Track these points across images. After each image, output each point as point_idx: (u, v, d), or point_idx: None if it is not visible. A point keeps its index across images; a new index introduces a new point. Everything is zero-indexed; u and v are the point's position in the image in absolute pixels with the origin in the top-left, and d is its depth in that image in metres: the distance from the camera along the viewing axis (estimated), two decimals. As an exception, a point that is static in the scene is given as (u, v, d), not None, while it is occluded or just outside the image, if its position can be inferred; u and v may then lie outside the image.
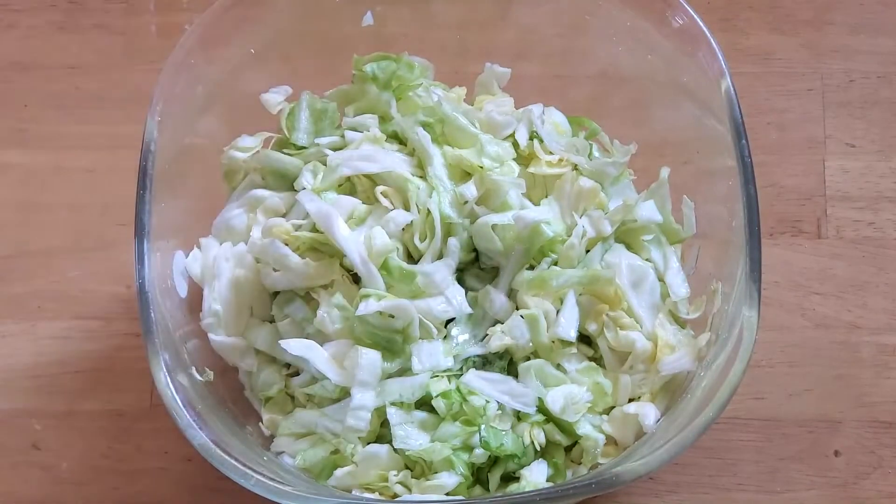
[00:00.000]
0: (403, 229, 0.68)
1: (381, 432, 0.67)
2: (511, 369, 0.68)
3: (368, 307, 0.65)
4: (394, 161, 0.69)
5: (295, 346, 0.66)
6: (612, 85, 0.75)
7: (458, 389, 0.66)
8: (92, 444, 0.77)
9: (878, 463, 0.76)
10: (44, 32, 0.89)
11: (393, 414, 0.65)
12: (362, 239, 0.66)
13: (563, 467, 0.67)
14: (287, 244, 0.67)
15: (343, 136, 0.73)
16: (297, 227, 0.69)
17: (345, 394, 0.66)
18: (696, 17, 0.68)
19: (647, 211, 0.71)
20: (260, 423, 0.69)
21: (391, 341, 0.66)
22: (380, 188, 0.69)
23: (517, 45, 0.76)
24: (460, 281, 0.69)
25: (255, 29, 0.71)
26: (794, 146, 0.84)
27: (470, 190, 0.69)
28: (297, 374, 0.69)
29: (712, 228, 0.70)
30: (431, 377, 0.66)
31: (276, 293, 0.70)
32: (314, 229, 0.68)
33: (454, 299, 0.67)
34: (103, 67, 0.88)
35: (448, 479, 0.64)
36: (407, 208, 0.68)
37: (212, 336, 0.69)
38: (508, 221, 0.68)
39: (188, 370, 0.64)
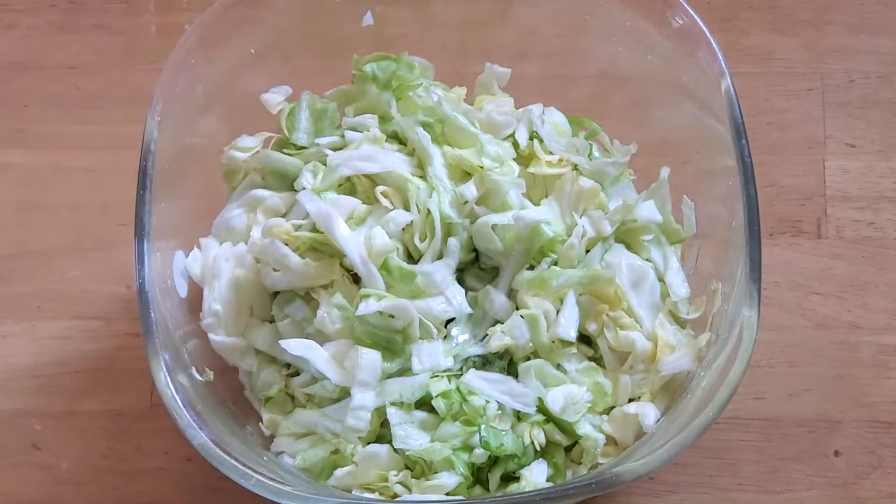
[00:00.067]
0: (403, 229, 0.68)
1: (381, 432, 0.67)
2: (511, 369, 0.68)
3: (368, 307, 0.65)
4: (394, 161, 0.69)
5: (295, 346, 0.66)
6: (612, 85, 0.75)
7: (458, 389, 0.66)
8: (92, 444, 0.77)
9: (878, 463, 0.76)
10: (44, 32, 0.89)
11: (393, 414, 0.65)
12: (362, 239, 0.66)
13: (563, 467, 0.67)
14: (287, 244, 0.67)
15: (343, 136, 0.73)
16: (297, 227, 0.69)
17: (345, 394, 0.66)
18: (696, 17, 0.68)
19: (647, 211, 0.71)
20: (260, 423, 0.69)
21: (391, 341, 0.66)
22: (380, 188, 0.69)
23: (517, 45, 0.76)
24: (460, 281, 0.69)
25: (255, 29, 0.71)
26: (794, 146, 0.84)
27: (470, 190, 0.69)
28: (297, 374, 0.69)
29: (712, 228, 0.70)
30: (431, 377, 0.66)
31: (276, 293, 0.70)
32: (314, 229, 0.68)
33: (454, 299, 0.67)
34: (103, 67, 0.88)
35: (448, 479, 0.64)
36: (407, 208, 0.68)
37: (212, 336, 0.69)
38: (508, 221, 0.68)
39: (188, 370, 0.64)
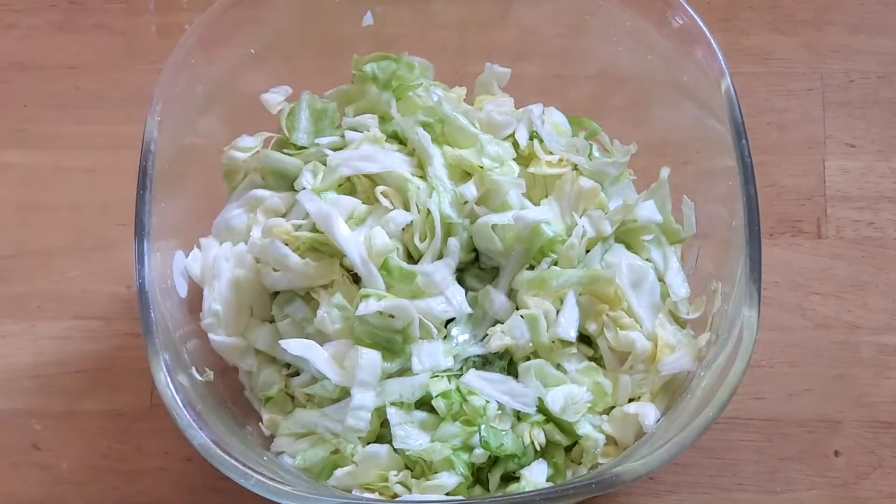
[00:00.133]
0: (403, 229, 0.68)
1: (381, 432, 0.67)
2: (511, 369, 0.68)
3: (368, 307, 0.65)
4: (394, 161, 0.69)
5: (295, 346, 0.66)
6: (612, 85, 0.75)
7: (458, 389, 0.66)
8: (92, 444, 0.77)
9: (878, 463, 0.76)
10: (44, 32, 0.89)
11: (393, 414, 0.65)
12: (362, 239, 0.66)
13: (563, 467, 0.67)
14: (287, 244, 0.67)
15: (343, 136, 0.73)
16: (297, 227, 0.69)
17: (345, 394, 0.66)
18: (696, 17, 0.68)
19: (647, 211, 0.71)
20: (260, 423, 0.69)
21: (391, 341, 0.66)
22: (380, 188, 0.69)
23: (517, 45, 0.76)
24: (460, 281, 0.69)
25: (255, 29, 0.71)
26: (794, 146, 0.84)
27: (470, 190, 0.69)
28: (297, 374, 0.69)
29: (712, 228, 0.70)
30: (431, 377, 0.66)
31: (276, 293, 0.70)
32: (314, 229, 0.68)
33: (454, 299, 0.67)
34: (103, 67, 0.88)
35: (448, 479, 0.64)
36: (407, 208, 0.68)
37: (212, 336, 0.69)
38: (508, 221, 0.68)
39: (188, 370, 0.64)
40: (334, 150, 0.72)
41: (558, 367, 0.67)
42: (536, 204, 0.70)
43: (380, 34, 0.74)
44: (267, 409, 0.69)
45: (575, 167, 0.71)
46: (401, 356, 0.66)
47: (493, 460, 0.66)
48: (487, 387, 0.66)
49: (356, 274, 0.67)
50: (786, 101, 0.85)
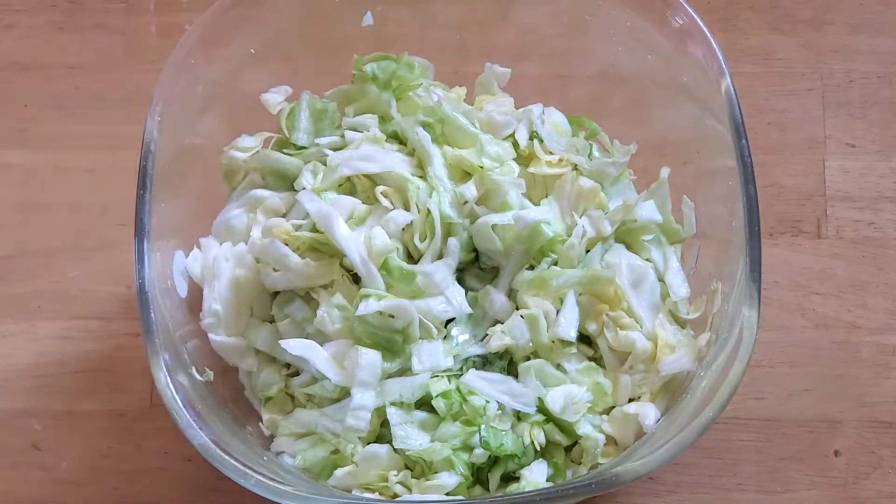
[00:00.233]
0: (403, 229, 0.68)
1: (381, 432, 0.67)
2: (511, 369, 0.68)
3: (368, 307, 0.65)
4: (394, 161, 0.69)
5: (295, 346, 0.66)
6: (612, 85, 0.75)
7: (458, 389, 0.66)
8: (92, 444, 0.77)
9: (878, 463, 0.76)
10: (44, 32, 0.89)
11: (393, 414, 0.65)
12: (362, 239, 0.66)
13: (563, 467, 0.67)
14: (287, 244, 0.67)
15: (343, 136, 0.73)
16: (297, 227, 0.69)
17: (345, 394, 0.66)
18: (696, 17, 0.67)
19: (647, 211, 0.71)
20: (260, 423, 0.69)
21: (391, 341, 0.66)
22: (380, 188, 0.69)
23: (517, 45, 0.76)
24: (460, 281, 0.69)
25: (255, 29, 0.71)
26: (794, 146, 0.84)
27: (470, 190, 0.69)
28: (297, 374, 0.69)
29: (712, 228, 0.70)
30: (431, 377, 0.66)
31: (276, 293, 0.70)
32: (314, 229, 0.68)
33: (454, 299, 0.67)
34: (103, 67, 0.88)
35: (448, 479, 0.64)
36: (407, 208, 0.68)
37: (212, 336, 0.69)
38: (508, 221, 0.68)
39: (188, 370, 0.64)
40: (334, 150, 0.72)
41: (558, 367, 0.67)
42: (536, 204, 0.70)
43: (380, 34, 0.74)
44: (267, 409, 0.69)
45: (575, 167, 0.71)
46: (401, 356, 0.66)
47: (493, 460, 0.66)
48: (487, 387, 0.66)
49: (356, 274, 0.67)
50: (786, 101, 0.85)
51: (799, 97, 0.85)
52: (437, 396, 0.65)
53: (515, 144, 0.71)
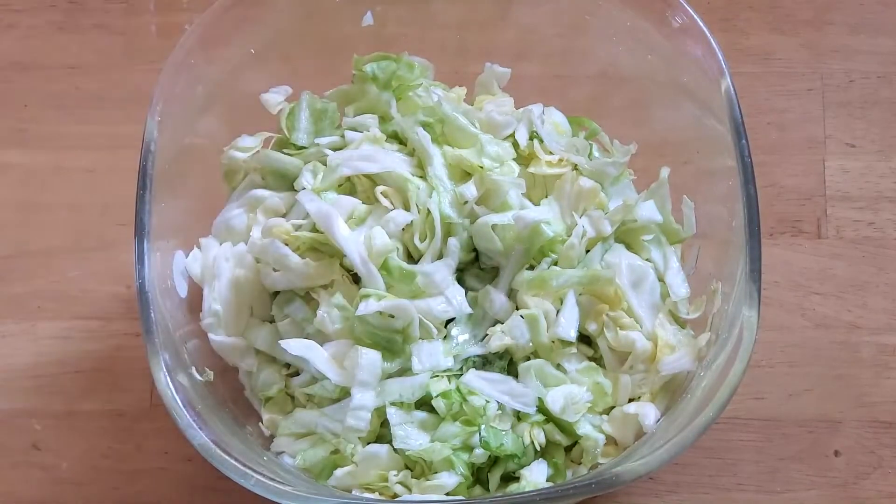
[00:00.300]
0: (403, 229, 0.68)
1: (381, 432, 0.67)
2: (511, 369, 0.68)
3: (368, 307, 0.65)
4: (394, 161, 0.69)
5: (295, 346, 0.66)
6: (612, 85, 0.75)
7: (458, 389, 0.66)
8: (92, 444, 0.77)
9: (878, 463, 0.76)
10: (44, 32, 0.89)
11: (393, 414, 0.65)
12: (362, 239, 0.66)
13: (563, 467, 0.67)
14: (287, 244, 0.67)
15: (343, 136, 0.73)
16: (297, 227, 0.69)
17: (345, 394, 0.66)
18: (696, 17, 0.67)
19: (647, 211, 0.71)
20: (260, 423, 0.69)
21: (391, 341, 0.66)
22: (380, 188, 0.69)
23: (517, 45, 0.76)
24: (460, 281, 0.69)
25: (255, 29, 0.71)
26: (794, 146, 0.84)
27: (470, 190, 0.69)
28: (297, 374, 0.69)
29: (712, 228, 0.70)
30: (431, 377, 0.66)
31: (276, 293, 0.70)
32: (314, 229, 0.68)
33: (454, 299, 0.67)
34: (103, 67, 0.88)
35: (448, 479, 0.64)
36: (407, 208, 0.68)
37: (212, 336, 0.69)
38: (508, 221, 0.68)
39: (188, 370, 0.64)
40: (334, 150, 0.72)
41: (558, 367, 0.67)
42: (536, 204, 0.70)
43: (380, 34, 0.74)
44: (267, 409, 0.69)
45: (575, 167, 0.71)
46: (401, 356, 0.66)
47: (493, 460, 0.66)
48: (487, 387, 0.66)
49: (356, 274, 0.67)
50: (786, 101, 0.85)
51: (799, 97, 0.85)
52: (437, 396, 0.65)
53: (515, 144, 0.71)
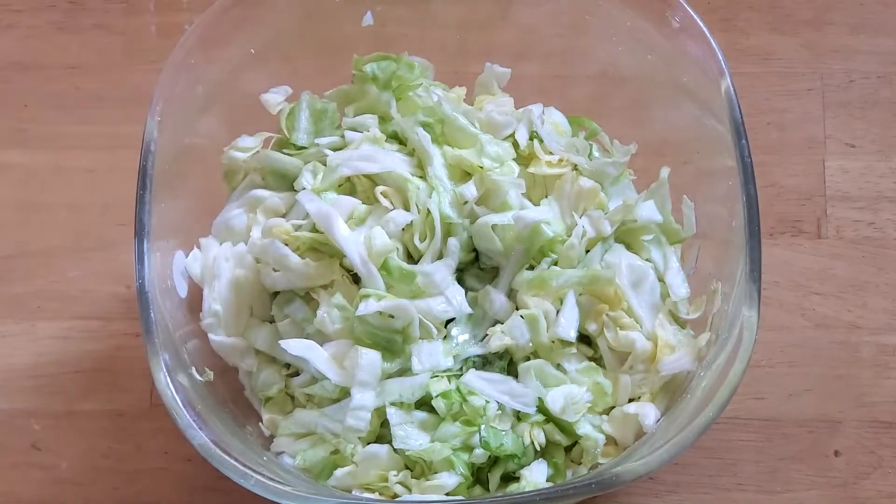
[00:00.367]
0: (403, 229, 0.68)
1: (381, 432, 0.67)
2: (511, 369, 0.68)
3: (368, 307, 0.65)
4: (394, 161, 0.69)
5: (295, 347, 0.66)
6: (612, 85, 0.75)
7: (458, 389, 0.66)
8: (92, 444, 0.77)
9: (878, 463, 0.76)
10: (44, 32, 0.89)
11: (393, 414, 0.65)
12: (362, 239, 0.66)
13: (563, 467, 0.67)
14: (287, 244, 0.67)
15: (343, 137, 0.73)
16: (297, 228, 0.69)
17: (345, 394, 0.66)
18: (696, 17, 0.67)
19: (647, 211, 0.71)
20: (260, 423, 0.69)
21: (391, 341, 0.66)
22: (380, 188, 0.69)
23: (517, 45, 0.76)
24: (460, 281, 0.69)
25: (255, 29, 0.71)
26: (794, 146, 0.84)
27: (470, 190, 0.69)
28: (297, 374, 0.69)
29: (712, 228, 0.70)
30: (431, 377, 0.66)
31: (276, 293, 0.70)
32: (314, 229, 0.68)
33: (454, 299, 0.67)
34: (103, 67, 0.88)
35: (448, 480, 0.64)
36: (407, 208, 0.68)
37: (212, 336, 0.69)
38: (508, 221, 0.68)
39: (188, 370, 0.64)
40: (334, 150, 0.72)
41: (558, 367, 0.67)
42: (536, 204, 0.70)
43: (380, 34, 0.74)
44: (267, 409, 0.69)
45: (575, 167, 0.71)
46: (401, 356, 0.66)
47: (493, 460, 0.66)
48: (487, 387, 0.66)
49: (356, 274, 0.67)
50: (786, 101, 0.85)
51: (799, 97, 0.85)
52: (437, 396, 0.65)
53: (515, 144, 0.71)
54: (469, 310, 0.68)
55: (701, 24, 0.67)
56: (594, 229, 0.69)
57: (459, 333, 0.68)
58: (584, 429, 0.66)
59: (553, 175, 0.70)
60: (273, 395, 0.69)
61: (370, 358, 0.65)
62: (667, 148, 0.73)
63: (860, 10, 0.88)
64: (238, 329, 0.69)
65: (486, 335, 0.68)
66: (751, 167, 0.63)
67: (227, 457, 0.59)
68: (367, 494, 0.65)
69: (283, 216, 0.71)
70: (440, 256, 0.68)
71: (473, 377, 0.66)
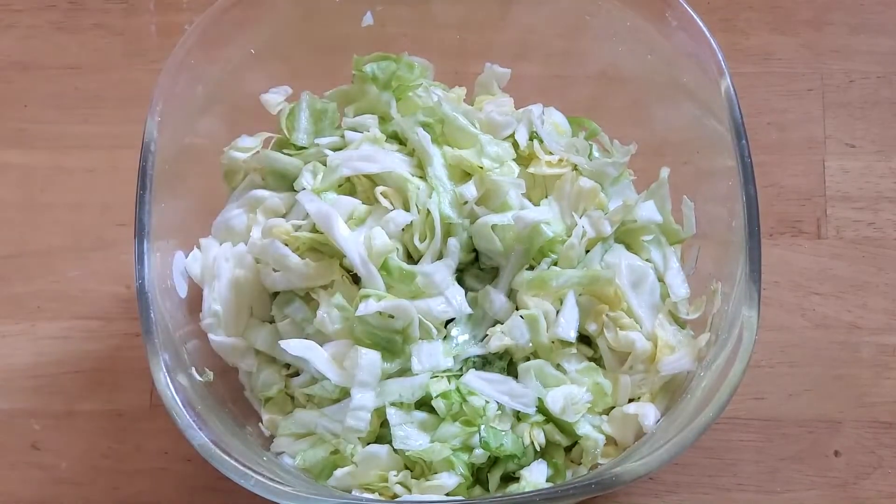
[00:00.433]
0: (403, 230, 0.68)
1: (381, 432, 0.67)
2: (511, 370, 0.68)
3: (368, 307, 0.65)
4: (394, 161, 0.69)
5: (295, 347, 0.66)
6: (612, 85, 0.75)
7: (457, 390, 0.66)
8: (92, 444, 0.77)
9: (878, 463, 0.76)
10: (44, 32, 0.89)
11: (393, 414, 0.65)
12: (362, 239, 0.66)
13: (563, 467, 0.67)
14: (287, 244, 0.67)
15: (343, 137, 0.73)
16: (297, 228, 0.69)
17: (345, 394, 0.66)
18: (695, 17, 0.67)
19: (647, 211, 0.71)
20: (260, 424, 0.69)
21: (391, 341, 0.66)
22: (380, 188, 0.69)
23: (517, 45, 0.76)
24: (460, 281, 0.69)
25: (255, 29, 0.71)
26: (794, 146, 0.84)
27: (470, 190, 0.69)
28: (297, 374, 0.69)
29: (712, 228, 0.70)
30: (431, 377, 0.66)
31: (276, 293, 0.70)
32: (314, 230, 0.68)
33: (454, 300, 0.67)
34: (103, 67, 0.88)
35: (448, 480, 0.64)
36: (407, 209, 0.68)
37: (212, 336, 0.69)
38: (508, 222, 0.68)
39: (188, 370, 0.64)
40: (334, 150, 0.72)
41: (558, 367, 0.67)
42: (536, 204, 0.70)
43: (380, 34, 0.74)
44: (267, 409, 0.69)
45: (575, 167, 0.71)
46: (401, 356, 0.66)
47: (493, 460, 0.66)
48: (487, 387, 0.66)
49: (356, 274, 0.67)
50: (786, 101, 0.85)
51: (799, 97, 0.85)
52: (436, 397, 0.65)
53: (515, 145, 0.71)
54: (469, 310, 0.68)
55: (701, 24, 0.67)
56: (594, 229, 0.69)
57: (459, 334, 0.68)
58: (584, 429, 0.66)
59: (553, 175, 0.70)
60: (273, 395, 0.69)
61: (370, 358, 0.65)
62: (667, 148, 0.73)
63: (860, 10, 0.88)
64: (238, 329, 0.69)
65: (486, 335, 0.68)
66: (751, 167, 0.63)
67: (227, 457, 0.59)
68: (367, 495, 0.65)
69: (283, 216, 0.71)
70: (440, 257, 0.68)
71: (473, 377, 0.66)
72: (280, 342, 0.66)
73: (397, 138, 0.73)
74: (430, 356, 0.66)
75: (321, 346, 0.66)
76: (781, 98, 0.85)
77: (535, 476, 0.65)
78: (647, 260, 0.71)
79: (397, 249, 0.67)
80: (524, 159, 0.71)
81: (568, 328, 0.67)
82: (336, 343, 0.66)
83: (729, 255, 0.65)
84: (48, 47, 0.88)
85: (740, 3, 0.88)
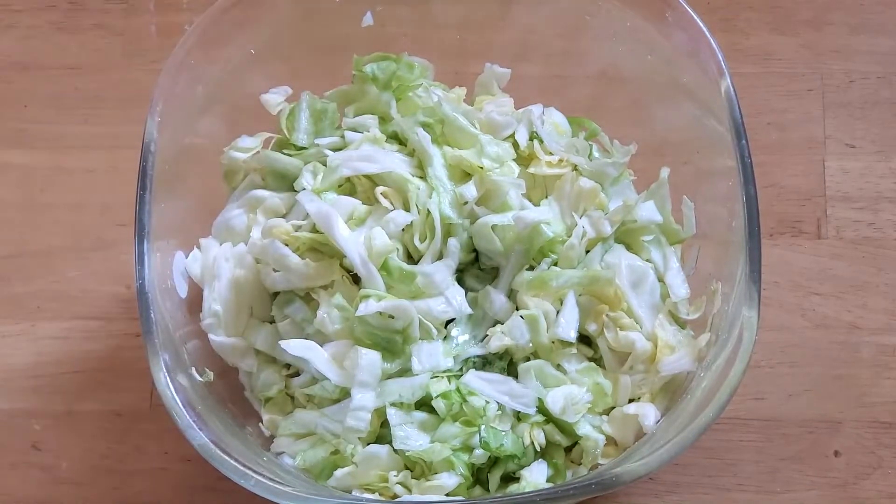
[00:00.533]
0: (403, 230, 0.68)
1: (381, 433, 0.67)
2: (511, 370, 0.68)
3: (368, 308, 0.65)
4: (394, 161, 0.69)
5: (295, 347, 0.66)
6: (612, 85, 0.75)
7: (457, 390, 0.66)
8: (92, 444, 0.77)
9: (878, 463, 0.76)
10: (44, 32, 0.89)
11: (393, 414, 0.65)
12: (362, 239, 0.66)
13: (563, 468, 0.67)
14: (287, 244, 0.67)
15: (343, 137, 0.73)
16: (297, 228, 0.69)
17: (345, 394, 0.66)
18: (695, 17, 0.67)
19: (647, 211, 0.71)
20: (260, 424, 0.69)
21: (391, 342, 0.66)
22: (380, 189, 0.69)
23: (517, 45, 0.76)
24: (460, 281, 0.69)
25: (255, 29, 0.71)
26: (794, 146, 0.84)
27: (470, 190, 0.69)
28: (297, 374, 0.69)
29: (712, 228, 0.70)
30: (431, 378, 0.66)
31: (276, 294, 0.70)
32: (314, 230, 0.68)
33: (454, 300, 0.67)
34: (103, 67, 0.88)
35: (448, 480, 0.64)
36: (407, 209, 0.68)
37: (212, 336, 0.69)
38: (508, 222, 0.68)
39: (188, 370, 0.64)
40: (334, 150, 0.72)
41: (558, 367, 0.67)
42: (536, 204, 0.70)
43: (380, 34, 0.74)
44: (267, 409, 0.69)
45: (575, 167, 0.71)
46: (401, 357, 0.66)
47: (493, 461, 0.66)
48: (487, 387, 0.66)
49: (356, 274, 0.67)
50: (786, 101, 0.85)
51: (799, 97, 0.85)
52: (437, 397, 0.65)
53: (515, 145, 0.71)
54: (469, 310, 0.68)
55: (701, 24, 0.67)
56: (594, 230, 0.69)
57: (459, 334, 0.68)
58: (584, 429, 0.66)
59: (553, 175, 0.70)
60: (273, 395, 0.69)
61: (370, 358, 0.65)
62: (667, 148, 0.73)
63: (860, 10, 0.88)
64: (238, 329, 0.69)
65: (486, 335, 0.68)
66: (751, 167, 0.63)
67: (227, 457, 0.59)
68: (367, 495, 0.65)
69: (283, 216, 0.71)
70: (440, 257, 0.68)
71: (473, 378, 0.66)
72: (280, 342, 0.66)
73: (397, 138, 0.73)
74: (430, 356, 0.66)
75: (321, 346, 0.66)
76: (781, 98, 0.85)
77: (536, 476, 0.65)
78: (647, 260, 0.71)
79: (397, 249, 0.67)
80: (524, 159, 0.71)
81: (568, 328, 0.67)
82: (336, 343, 0.66)
83: (729, 255, 0.65)
84: (48, 47, 0.88)
85: (740, 3, 0.88)
